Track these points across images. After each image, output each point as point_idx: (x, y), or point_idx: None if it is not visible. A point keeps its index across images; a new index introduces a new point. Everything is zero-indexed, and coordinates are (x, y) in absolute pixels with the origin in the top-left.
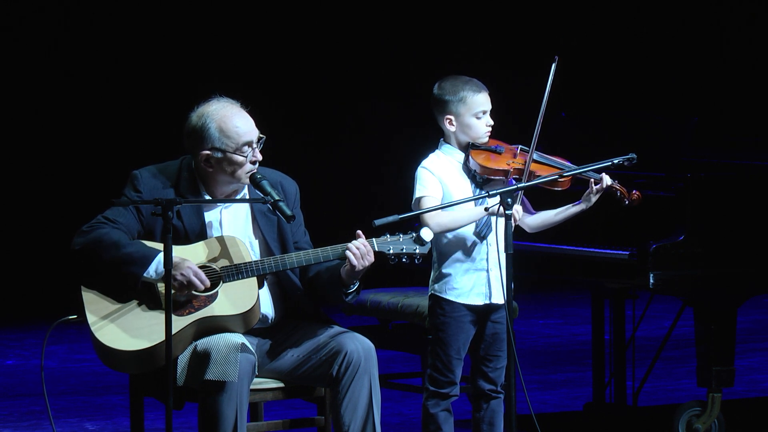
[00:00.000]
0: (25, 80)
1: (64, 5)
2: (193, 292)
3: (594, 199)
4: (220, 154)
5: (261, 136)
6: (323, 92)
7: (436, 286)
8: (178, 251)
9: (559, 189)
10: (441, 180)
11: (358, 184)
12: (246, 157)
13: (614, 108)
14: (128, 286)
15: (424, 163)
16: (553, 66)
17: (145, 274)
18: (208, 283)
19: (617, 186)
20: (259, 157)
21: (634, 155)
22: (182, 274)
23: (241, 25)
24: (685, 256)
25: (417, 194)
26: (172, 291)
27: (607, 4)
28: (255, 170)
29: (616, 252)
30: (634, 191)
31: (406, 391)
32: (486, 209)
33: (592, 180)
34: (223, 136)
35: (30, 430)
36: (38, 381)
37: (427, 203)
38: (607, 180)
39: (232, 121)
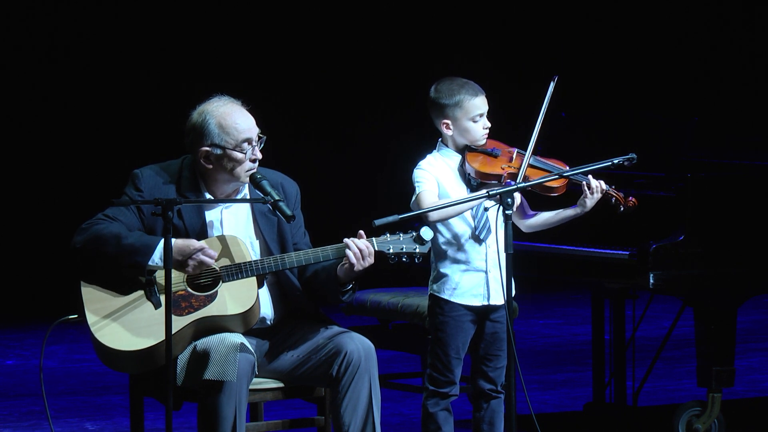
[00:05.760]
0: (26, 80)
1: (64, 5)
2: (193, 292)
3: (589, 203)
4: (219, 151)
5: (261, 135)
6: (323, 93)
7: (434, 286)
8: None
9: (555, 195)
10: (437, 180)
11: (358, 184)
12: (245, 154)
13: (614, 108)
14: (132, 278)
15: (421, 163)
16: (552, 84)
17: (150, 263)
18: (215, 254)
19: (613, 192)
20: (259, 155)
21: (634, 155)
22: (192, 259)
23: (242, 26)
24: (685, 256)
25: (416, 191)
26: (186, 278)
27: (606, 3)
28: (255, 169)
29: (616, 252)
30: (630, 198)
31: (406, 391)
32: (486, 209)
33: (585, 184)
34: (222, 132)
35: (30, 430)
36: (38, 381)
37: (426, 197)
38: (602, 185)
39: (231, 117)
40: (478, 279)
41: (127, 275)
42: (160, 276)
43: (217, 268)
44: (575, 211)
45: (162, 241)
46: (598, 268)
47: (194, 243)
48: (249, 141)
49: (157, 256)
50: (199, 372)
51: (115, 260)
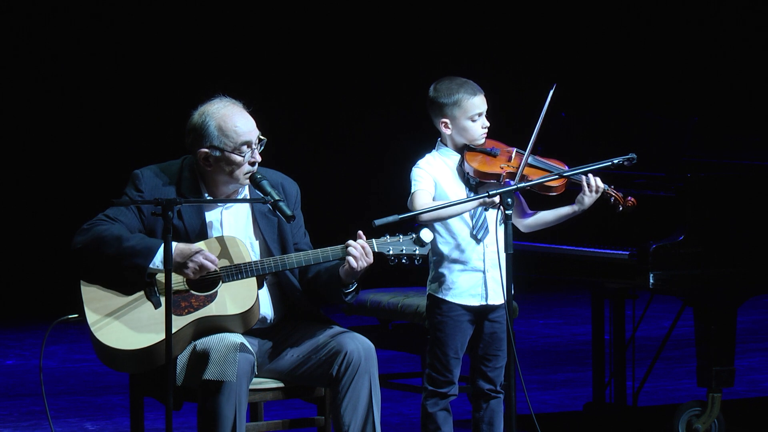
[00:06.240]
0: (26, 80)
1: (65, 5)
2: (193, 292)
3: (587, 201)
4: (218, 153)
5: (261, 138)
6: (324, 94)
7: (432, 286)
8: None
9: (554, 194)
10: (435, 179)
11: (358, 184)
12: (244, 157)
13: (614, 108)
14: (133, 280)
15: (419, 163)
16: (551, 92)
17: (150, 265)
18: (217, 261)
19: (612, 191)
20: (258, 158)
21: (634, 155)
22: (192, 261)
23: (243, 27)
24: (685, 256)
25: (412, 190)
26: (186, 278)
27: (606, 3)
28: (254, 171)
29: (616, 252)
30: (629, 198)
31: (406, 391)
32: (486, 209)
33: (585, 182)
34: (221, 134)
35: (30, 430)
36: (38, 381)
37: (420, 196)
38: (600, 184)
39: (231, 120)
40: (476, 279)
41: (127, 277)
42: (160, 275)
43: (218, 269)
44: (573, 209)
45: (163, 244)
46: (598, 268)
47: (194, 246)
48: (248, 144)
49: (157, 259)
50: (199, 372)
51: (116, 262)
